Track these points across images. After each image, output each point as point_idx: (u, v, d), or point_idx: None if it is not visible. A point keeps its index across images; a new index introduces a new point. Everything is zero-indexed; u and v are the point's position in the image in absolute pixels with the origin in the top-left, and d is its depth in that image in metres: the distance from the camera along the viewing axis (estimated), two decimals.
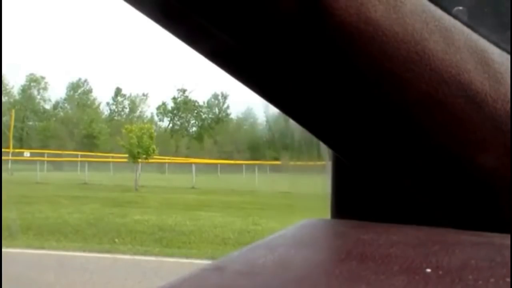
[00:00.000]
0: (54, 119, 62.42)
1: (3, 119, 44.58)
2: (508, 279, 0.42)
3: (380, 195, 0.70)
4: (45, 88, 63.26)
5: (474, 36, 0.58)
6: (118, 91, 67.21)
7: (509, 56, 0.59)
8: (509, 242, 0.55)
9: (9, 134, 43.25)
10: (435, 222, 0.63)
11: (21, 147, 45.42)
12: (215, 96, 67.00)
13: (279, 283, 0.43)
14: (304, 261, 0.50)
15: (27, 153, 38.67)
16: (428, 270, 0.44)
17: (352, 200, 0.74)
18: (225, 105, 67.10)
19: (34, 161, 31.92)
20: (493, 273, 0.44)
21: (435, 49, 0.56)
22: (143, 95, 67.44)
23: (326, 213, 0.78)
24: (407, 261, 0.47)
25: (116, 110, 67.66)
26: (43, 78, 62.71)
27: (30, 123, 60.47)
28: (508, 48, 0.59)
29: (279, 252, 0.52)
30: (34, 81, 62.35)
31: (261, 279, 0.44)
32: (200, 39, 0.66)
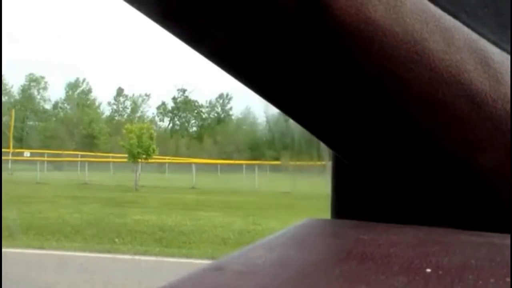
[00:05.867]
0: (54, 119, 62.41)
1: (3, 119, 44.55)
2: (508, 279, 0.42)
3: (380, 195, 0.70)
4: (45, 88, 63.31)
5: (474, 36, 0.58)
6: (120, 91, 67.27)
7: (509, 56, 0.59)
8: (509, 242, 0.55)
9: (9, 134, 43.26)
10: (435, 222, 0.63)
11: (21, 147, 45.40)
12: (221, 96, 66.99)
13: (279, 283, 0.43)
14: (304, 261, 0.50)
15: (27, 153, 38.67)
16: (428, 270, 0.44)
17: (352, 200, 0.74)
18: (228, 106, 67.14)
19: (34, 161, 31.93)
20: (493, 273, 0.44)
21: (435, 49, 0.56)
22: (145, 95, 67.51)
23: (326, 213, 0.78)
24: (407, 261, 0.47)
25: (117, 110, 67.70)
26: (42, 77, 62.77)
27: (30, 123, 60.46)
28: (508, 48, 0.59)
29: (279, 252, 0.52)
30: (33, 80, 62.37)
31: (261, 279, 0.44)
32: (200, 39, 0.66)
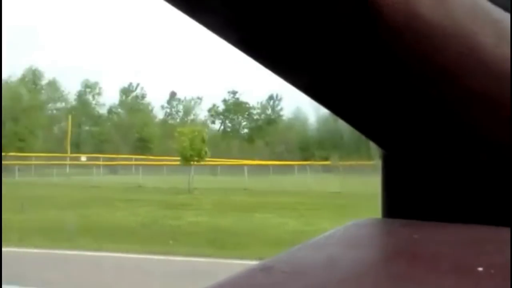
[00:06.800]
0: (108, 123, 63.73)
1: (61, 124, 45.73)
2: None
3: (431, 194, 0.69)
4: (99, 93, 64.74)
5: None
6: (172, 95, 68.19)
7: None
8: None
9: (67, 140, 44.44)
10: (488, 221, 0.61)
11: (77, 152, 46.54)
12: (271, 97, 67.10)
13: (327, 283, 0.42)
14: (352, 260, 0.50)
15: (83, 158, 39.62)
16: (480, 269, 0.43)
17: (403, 199, 0.73)
18: (279, 107, 67.19)
19: (90, 165, 32.72)
20: None
21: (486, 42, 0.54)
22: (197, 98, 68.25)
23: (378, 212, 0.77)
24: (457, 260, 0.46)
25: (170, 113, 68.66)
26: (97, 83, 64.22)
27: (86, 128, 61.82)
28: None
29: (327, 252, 0.52)
30: (88, 86, 63.84)
31: (308, 278, 0.43)
32: (253, 45, 0.66)
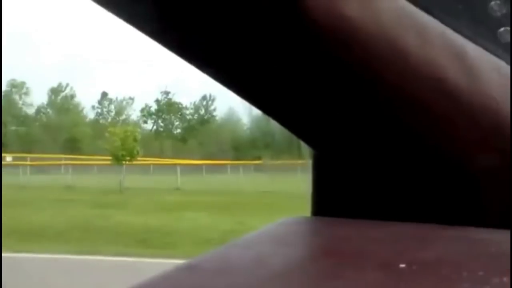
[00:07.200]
0: (37, 124, 61.96)
1: None
2: (481, 273, 0.42)
3: (360, 193, 0.70)
4: (26, 93, 62.89)
5: (449, 31, 0.58)
6: (104, 95, 67.06)
7: (484, 51, 0.59)
8: (484, 236, 0.55)
9: None
10: (419, 219, 0.63)
11: (3, 152, 44.96)
12: (204, 98, 66.94)
13: (254, 281, 0.42)
14: (280, 259, 0.50)
15: (9, 158, 38.16)
16: (402, 265, 0.43)
17: (333, 198, 0.74)
18: (212, 107, 67.12)
19: (16, 166, 31.70)
20: (467, 267, 0.44)
21: (410, 45, 0.56)
22: (130, 98, 67.39)
23: (306, 210, 0.77)
24: (383, 257, 0.47)
25: (101, 113, 67.51)
26: (24, 83, 62.40)
27: (13, 128, 59.77)
28: (483, 43, 0.59)
29: (256, 250, 0.52)
30: (15, 86, 61.86)
31: (235, 277, 0.43)
32: (181, 44, 0.65)
